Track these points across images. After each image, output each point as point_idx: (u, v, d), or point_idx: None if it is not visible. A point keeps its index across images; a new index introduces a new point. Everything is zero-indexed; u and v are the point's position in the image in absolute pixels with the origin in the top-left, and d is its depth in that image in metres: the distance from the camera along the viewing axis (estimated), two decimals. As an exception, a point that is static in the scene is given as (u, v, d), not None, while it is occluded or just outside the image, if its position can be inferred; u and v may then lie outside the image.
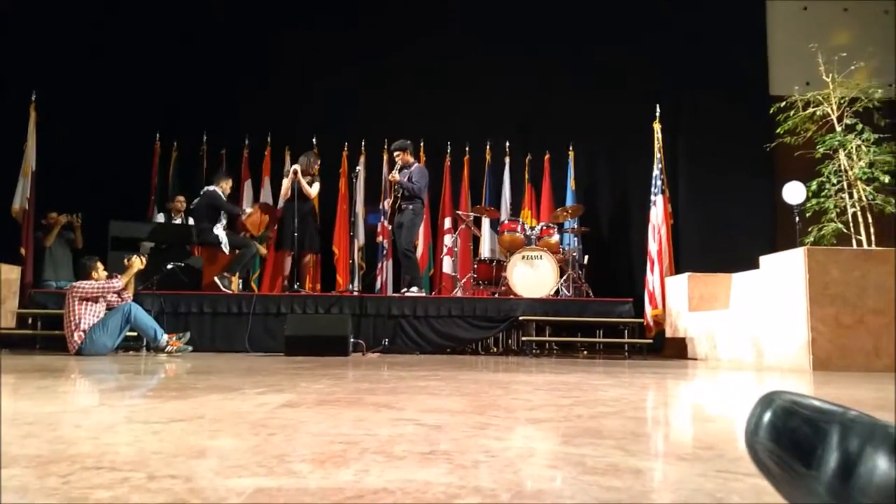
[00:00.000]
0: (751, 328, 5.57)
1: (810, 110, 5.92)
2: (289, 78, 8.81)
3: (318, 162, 7.33)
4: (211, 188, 7.07)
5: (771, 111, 6.25)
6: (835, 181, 5.86)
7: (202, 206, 7.01)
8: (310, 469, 1.11)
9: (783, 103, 6.14)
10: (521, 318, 6.45)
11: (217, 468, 1.12)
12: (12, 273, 6.86)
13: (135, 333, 5.67)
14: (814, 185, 5.86)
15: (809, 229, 5.96)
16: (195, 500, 0.89)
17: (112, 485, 0.98)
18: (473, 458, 1.23)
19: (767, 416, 0.71)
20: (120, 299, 5.67)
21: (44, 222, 7.38)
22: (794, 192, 5.90)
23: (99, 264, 5.79)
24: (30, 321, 6.39)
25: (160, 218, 8.01)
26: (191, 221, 7.82)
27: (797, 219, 5.89)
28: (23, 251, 7.17)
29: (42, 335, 6.30)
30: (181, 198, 7.90)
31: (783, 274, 5.09)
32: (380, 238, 8.45)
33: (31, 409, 1.99)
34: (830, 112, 5.87)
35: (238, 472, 1.09)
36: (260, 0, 9.00)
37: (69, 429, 1.59)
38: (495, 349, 6.94)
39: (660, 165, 7.73)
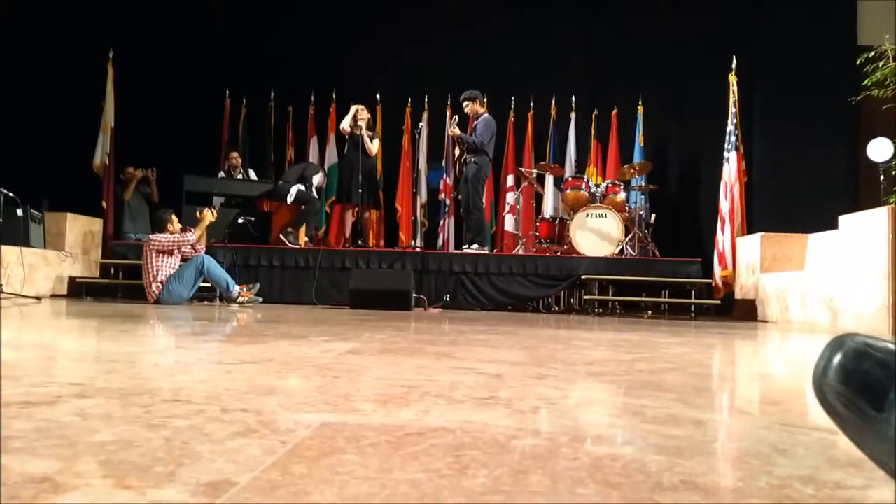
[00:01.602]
0: (826, 290, 5.35)
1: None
2: (353, 34, 8.80)
3: (367, 115, 7.36)
4: (314, 166, 7.32)
5: (858, 62, 5.85)
6: (926, 137, 5.50)
7: (297, 171, 7.26)
8: (373, 408, 1.15)
9: (872, 53, 5.74)
10: (583, 276, 6.39)
11: (286, 404, 1.17)
12: (95, 225, 7.23)
13: (208, 284, 5.91)
14: (902, 141, 5.51)
15: (895, 188, 5.62)
16: (265, 431, 0.94)
17: (188, 415, 1.04)
18: (532, 405, 1.24)
19: (838, 358, 0.69)
20: (194, 251, 5.91)
21: (122, 177, 7.71)
22: (879, 149, 5.56)
23: (173, 217, 6.04)
24: (112, 271, 6.74)
25: (220, 174, 8.23)
26: (252, 175, 8.02)
27: (882, 177, 5.56)
28: (104, 204, 7.51)
29: (123, 284, 6.64)
30: (235, 154, 8.06)
31: (864, 234, 4.84)
32: (442, 195, 8.45)
33: (113, 349, 2.12)
34: (925, 63, 5.48)
35: (305, 408, 1.13)
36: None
37: (148, 367, 1.69)
38: (557, 308, 6.92)
39: (734, 120, 7.40)
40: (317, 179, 7.30)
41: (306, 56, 8.86)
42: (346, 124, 7.19)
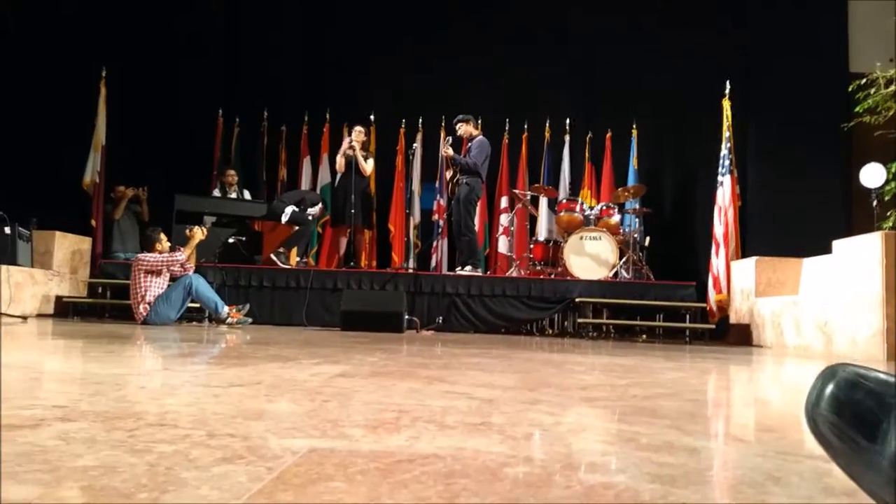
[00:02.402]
0: (820, 315, 5.35)
1: (893, 88, 5.59)
2: (347, 54, 8.86)
3: (364, 137, 7.40)
4: (316, 196, 7.41)
5: (850, 89, 5.92)
6: (917, 163, 5.54)
7: (295, 196, 7.27)
8: (362, 433, 1.13)
9: (863, 80, 5.81)
10: (577, 299, 6.37)
11: (274, 429, 1.15)
12: (83, 244, 7.18)
13: (197, 305, 5.86)
14: (893, 168, 5.54)
15: (888, 214, 5.65)
16: (252, 457, 0.92)
17: (174, 440, 1.01)
18: (525, 431, 1.23)
19: (830, 388, 0.68)
20: (183, 270, 5.86)
21: (112, 196, 7.68)
22: (872, 175, 5.60)
23: (162, 236, 6.00)
24: (100, 290, 6.68)
25: (216, 192, 8.21)
26: (246, 195, 8.01)
27: (875, 202, 5.60)
28: (93, 223, 7.48)
29: (111, 304, 6.58)
30: (232, 171, 8.05)
31: (858, 259, 4.86)
32: (435, 216, 8.46)
33: (98, 370, 2.09)
34: (915, 90, 5.54)
35: (293, 433, 1.11)
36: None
37: (134, 389, 1.66)
38: (550, 331, 6.89)
39: (728, 144, 7.45)
40: (315, 209, 7.30)
41: (300, 76, 8.90)
42: (340, 157, 7.26)
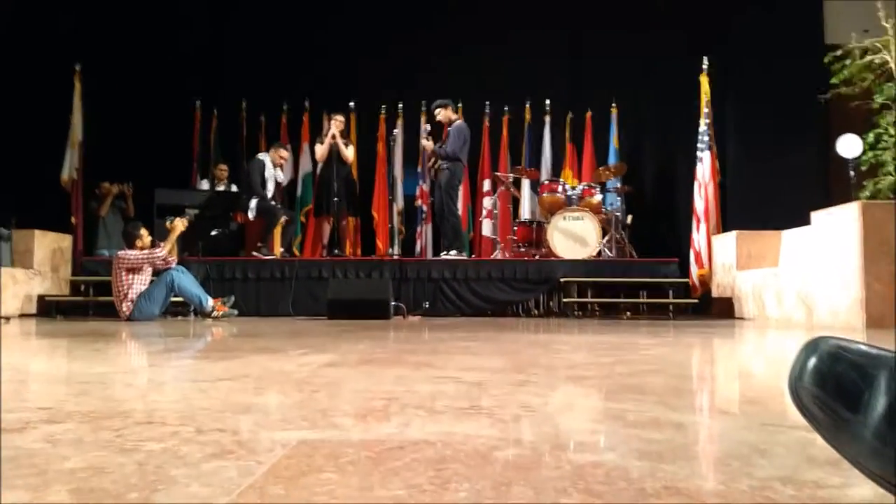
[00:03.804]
0: (801, 286, 5.43)
1: (868, 58, 5.63)
2: (325, 42, 8.75)
3: (343, 125, 7.36)
4: (257, 157, 7.23)
5: (826, 60, 5.96)
6: (893, 132, 5.59)
7: (245, 175, 7.18)
8: (352, 423, 1.13)
9: (839, 52, 5.84)
10: (562, 279, 6.41)
11: (263, 422, 1.15)
12: (64, 241, 7.09)
13: (181, 299, 5.82)
14: (870, 137, 5.59)
15: (865, 183, 5.71)
16: (242, 451, 0.92)
17: (163, 438, 1.01)
18: (513, 413, 1.24)
19: (812, 361, 0.69)
20: (165, 264, 5.80)
21: (96, 192, 7.58)
22: (849, 145, 5.64)
23: (143, 231, 5.92)
24: (82, 288, 6.62)
25: (204, 185, 8.14)
26: (234, 188, 7.95)
27: (852, 173, 5.65)
28: (73, 220, 7.38)
29: (94, 301, 6.51)
30: (223, 166, 8.02)
31: (836, 230, 4.92)
32: (418, 202, 8.44)
33: (84, 369, 2.07)
34: (890, 60, 5.56)
35: (283, 425, 1.11)
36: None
37: (120, 388, 1.65)
38: (536, 311, 6.92)
39: (707, 120, 7.49)
40: (271, 175, 7.18)
41: (278, 65, 8.78)
42: (320, 146, 7.20)
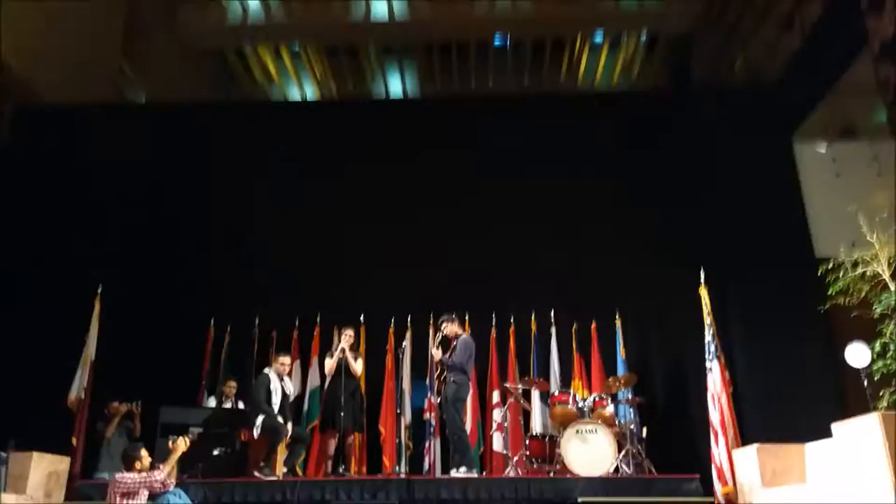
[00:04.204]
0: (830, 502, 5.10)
1: (860, 270, 5.82)
2: (336, 257, 9.16)
3: (353, 340, 7.48)
4: (263, 372, 7.24)
5: (819, 273, 6.16)
6: (898, 342, 5.60)
7: (252, 390, 7.13)
8: None
9: (830, 265, 6.07)
10: (580, 500, 6.03)
11: None
12: (61, 464, 6.80)
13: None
14: (877, 347, 5.60)
15: (881, 393, 5.61)
16: None
17: None
18: None
19: None
20: (163, 487, 5.54)
21: (105, 412, 7.45)
22: (857, 354, 5.63)
23: (143, 453, 5.73)
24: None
25: (211, 402, 8.04)
26: (240, 405, 7.84)
27: (866, 382, 5.58)
28: (74, 441, 7.19)
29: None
30: (232, 383, 7.99)
31: (859, 442, 4.74)
32: (427, 414, 8.23)
33: None
34: (882, 272, 5.75)
35: None
36: (302, 191, 9.61)
37: None
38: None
39: (711, 330, 7.54)
40: (276, 388, 7.07)
41: (291, 281, 9.10)
42: (329, 360, 7.27)
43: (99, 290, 8.01)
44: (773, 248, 8.47)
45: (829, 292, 6.03)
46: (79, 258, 8.76)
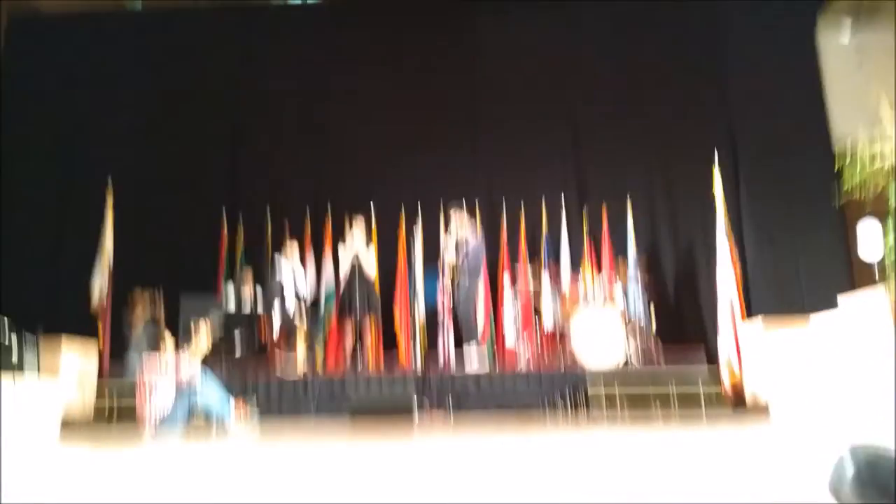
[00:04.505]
0: (835, 379, 5.26)
1: (877, 164, 5.67)
2: (346, 147, 9.05)
3: (365, 233, 7.59)
4: (277, 278, 7.42)
5: (836, 168, 6.05)
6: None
7: (267, 291, 7.31)
8: None
9: (848, 158, 5.93)
10: (590, 392, 6.28)
11: None
12: (91, 354, 7.10)
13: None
14: (890, 241, 5.57)
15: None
16: None
17: None
18: None
19: (851, 469, 0.69)
20: (188, 375, 5.75)
21: (129, 301, 7.65)
22: (869, 244, 5.61)
23: (168, 337, 5.91)
24: (106, 402, 6.58)
25: (229, 288, 8.23)
26: (258, 291, 8.03)
27: (877, 273, 5.60)
28: (100, 331, 7.45)
29: (116, 412, 6.46)
30: (249, 270, 8.13)
31: (865, 315, 4.81)
32: (441, 314, 8.32)
33: None
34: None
35: None
36: (313, 75, 9.32)
37: None
38: (564, 417, 6.80)
39: (722, 210, 7.55)
40: (291, 288, 7.23)
41: (302, 171, 9.10)
42: (345, 250, 7.35)
43: (109, 181, 7.98)
44: (789, 136, 8.27)
45: (845, 187, 5.93)
46: (89, 154, 8.68)
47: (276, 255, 7.33)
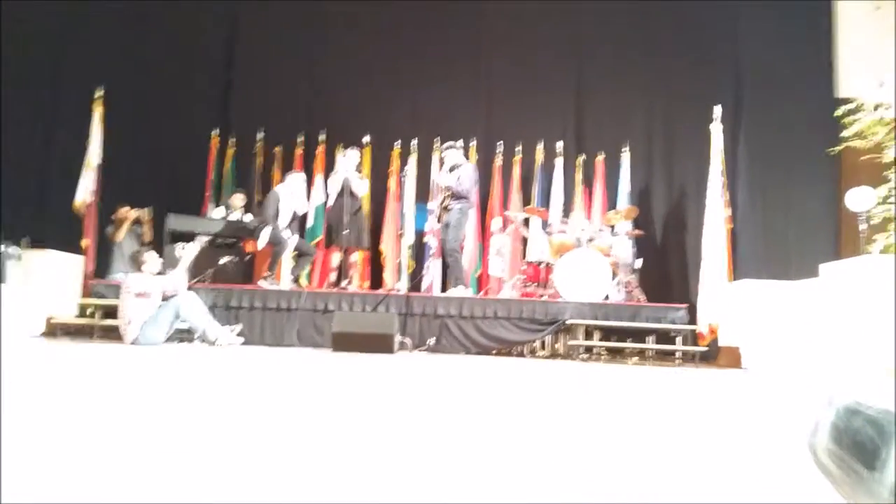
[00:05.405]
0: (808, 337, 5.35)
1: (880, 112, 5.63)
2: (343, 76, 8.91)
3: (358, 159, 7.47)
4: (273, 190, 7.29)
5: (837, 114, 5.98)
6: (903, 187, 5.56)
7: (260, 206, 7.23)
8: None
9: (851, 105, 5.87)
10: (569, 321, 6.35)
11: None
12: (75, 263, 7.10)
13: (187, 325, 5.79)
14: (882, 191, 5.57)
15: (875, 237, 5.67)
16: None
17: None
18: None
19: (829, 417, 0.67)
20: (174, 289, 5.80)
21: (113, 217, 7.63)
22: (859, 199, 5.62)
23: (153, 255, 5.95)
24: (89, 311, 6.61)
25: (217, 212, 8.17)
26: (248, 217, 7.98)
27: (863, 226, 5.62)
28: (85, 242, 7.41)
29: (100, 325, 6.49)
30: (240, 194, 8.07)
31: (844, 283, 4.88)
32: (428, 237, 8.41)
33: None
34: (901, 114, 5.56)
35: None
36: (309, 9, 9.07)
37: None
38: (542, 352, 6.86)
39: (719, 168, 7.48)
40: (287, 206, 7.18)
41: (295, 97, 8.95)
42: (334, 178, 7.27)
43: (96, 95, 7.80)
44: (793, 86, 8.15)
45: (843, 134, 5.89)
46: (82, 63, 8.46)
47: (278, 188, 7.25)
